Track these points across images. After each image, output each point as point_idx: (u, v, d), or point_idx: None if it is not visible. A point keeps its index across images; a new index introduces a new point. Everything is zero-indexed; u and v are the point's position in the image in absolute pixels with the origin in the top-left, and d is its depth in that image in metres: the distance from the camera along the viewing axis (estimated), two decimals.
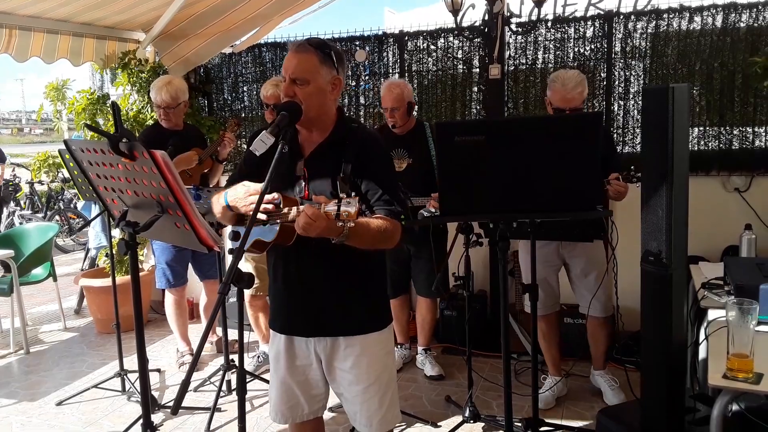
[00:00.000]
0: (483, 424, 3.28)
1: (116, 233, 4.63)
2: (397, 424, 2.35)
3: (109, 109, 4.86)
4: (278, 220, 1.88)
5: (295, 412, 2.14)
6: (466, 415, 3.28)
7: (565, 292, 3.55)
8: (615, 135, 4.20)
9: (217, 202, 2.05)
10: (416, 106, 4.18)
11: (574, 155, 2.24)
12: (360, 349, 2.03)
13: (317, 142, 2.02)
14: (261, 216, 1.86)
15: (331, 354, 2.06)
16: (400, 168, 3.72)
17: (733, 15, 3.97)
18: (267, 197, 1.82)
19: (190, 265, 4.20)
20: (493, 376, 3.87)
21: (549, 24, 4.34)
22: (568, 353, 3.65)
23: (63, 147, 3.29)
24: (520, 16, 4.38)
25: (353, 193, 1.71)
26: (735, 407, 2.25)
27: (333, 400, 2.28)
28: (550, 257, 3.38)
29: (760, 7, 3.91)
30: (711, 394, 2.43)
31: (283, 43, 5.08)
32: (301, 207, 1.73)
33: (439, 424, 3.33)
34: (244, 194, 1.92)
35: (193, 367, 1.62)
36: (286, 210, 1.86)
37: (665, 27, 4.13)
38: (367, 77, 4.94)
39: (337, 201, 1.65)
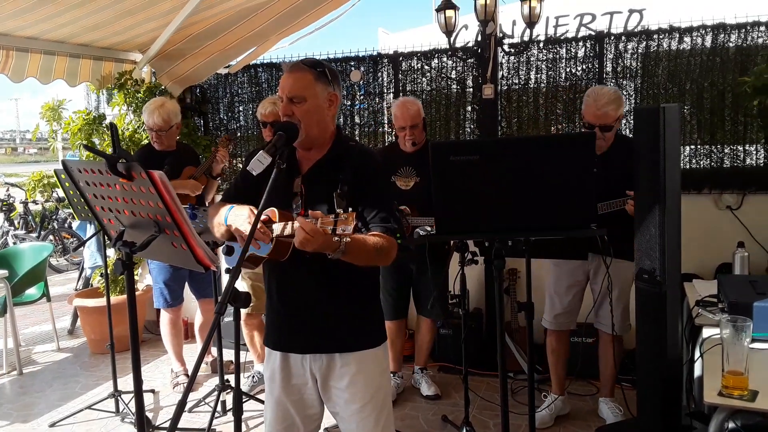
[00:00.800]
0: None
1: (111, 253, 4.61)
2: None
3: (105, 129, 4.88)
4: (273, 235, 1.90)
5: None
6: None
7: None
8: None
9: (217, 218, 2.06)
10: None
11: (568, 174, 2.26)
12: (356, 368, 2.03)
13: (315, 160, 2.04)
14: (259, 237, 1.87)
15: (326, 373, 2.05)
16: (407, 186, 3.66)
17: (723, 35, 4.04)
18: (263, 216, 1.84)
19: (186, 285, 4.20)
20: (490, 395, 3.86)
21: (541, 45, 4.41)
22: (568, 371, 3.64)
23: (59, 167, 3.31)
24: (512, 36, 4.45)
25: (350, 209, 1.72)
26: (731, 425, 2.26)
27: (329, 420, 2.27)
28: (575, 274, 3.37)
29: (748, 28, 3.99)
30: (707, 411, 2.44)
31: (278, 64, 5.13)
32: (296, 223, 1.74)
33: None
34: (246, 219, 1.94)
35: (190, 387, 1.62)
36: (281, 226, 1.87)
37: (656, 47, 4.19)
38: (362, 97, 4.98)
39: (333, 216, 1.66)
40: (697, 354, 2.45)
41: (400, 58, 4.79)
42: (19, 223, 9.55)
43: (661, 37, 4.17)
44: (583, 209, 2.27)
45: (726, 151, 4.14)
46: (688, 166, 4.19)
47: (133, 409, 3.38)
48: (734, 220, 4.06)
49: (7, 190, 10.02)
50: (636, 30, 4.30)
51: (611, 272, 3.23)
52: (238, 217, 1.97)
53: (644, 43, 4.21)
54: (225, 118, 5.40)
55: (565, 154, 2.29)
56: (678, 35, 4.13)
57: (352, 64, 4.91)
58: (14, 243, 8.39)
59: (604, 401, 3.51)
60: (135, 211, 2.07)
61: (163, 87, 4.98)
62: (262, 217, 1.84)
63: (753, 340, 1.98)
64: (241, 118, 5.38)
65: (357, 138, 4.96)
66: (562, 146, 2.39)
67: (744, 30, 4.00)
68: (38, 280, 5.14)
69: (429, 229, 2.95)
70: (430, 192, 3.58)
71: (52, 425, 3.69)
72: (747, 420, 2.23)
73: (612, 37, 4.28)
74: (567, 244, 3.07)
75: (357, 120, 5.01)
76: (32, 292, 5.18)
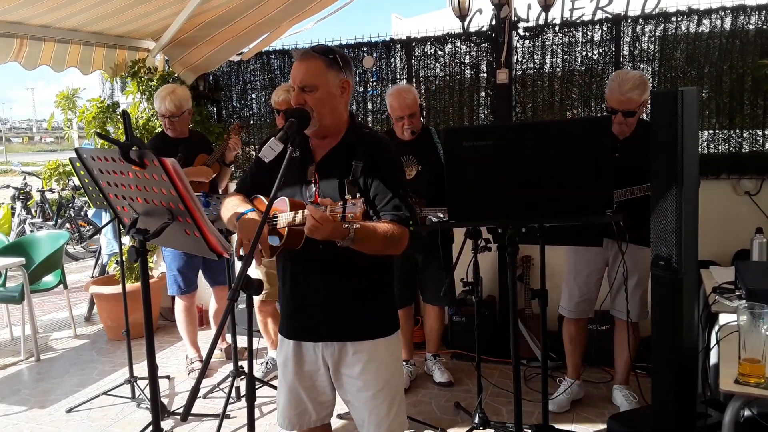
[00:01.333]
0: (492, 430, 3.26)
1: (126, 240, 4.65)
2: (406, 431, 2.34)
3: (119, 117, 4.90)
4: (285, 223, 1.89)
5: (303, 418, 2.14)
6: (476, 421, 3.27)
7: None
8: None
9: (229, 211, 2.03)
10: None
11: (583, 159, 2.23)
12: (368, 355, 2.03)
13: (329, 147, 2.03)
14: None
15: (338, 360, 2.05)
16: (410, 176, 3.62)
17: (742, 17, 3.95)
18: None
19: (200, 272, 4.22)
20: (503, 382, 3.85)
21: (557, 28, 4.34)
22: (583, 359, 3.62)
23: (74, 155, 3.32)
24: (527, 20, 4.40)
25: (358, 194, 1.71)
26: (747, 413, 2.23)
27: (341, 407, 2.28)
28: (594, 261, 3.34)
29: None
30: (722, 399, 2.41)
31: (291, 50, 5.10)
32: (306, 210, 1.73)
33: (448, 430, 3.32)
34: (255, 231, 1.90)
35: (203, 374, 1.63)
36: (293, 214, 1.86)
37: (673, 30, 4.11)
38: (374, 83, 4.95)
39: (342, 203, 1.66)
40: (713, 341, 2.42)
41: (413, 44, 4.75)
42: (36, 211, 9.67)
43: (679, 19, 4.09)
44: (599, 195, 2.24)
45: (745, 135, 4.07)
46: (706, 151, 4.13)
47: (149, 395, 3.43)
48: (753, 205, 4.00)
49: (24, 178, 10.12)
50: (654, 12, 4.21)
51: (630, 259, 3.20)
52: (247, 229, 1.91)
53: (662, 25, 4.13)
54: (238, 105, 5.39)
55: (581, 138, 2.26)
56: (697, 17, 4.04)
57: (365, 50, 4.87)
58: (31, 231, 8.50)
59: (618, 388, 3.49)
60: (148, 199, 2.08)
61: (176, 75, 4.99)
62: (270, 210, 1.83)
63: None
64: (254, 105, 5.37)
65: (370, 125, 4.94)
66: (578, 131, 2.35)
67: (764, 12, 3.91)
68: (55, 267, 5.20)
69: (441, 215, 2.93)
70: (433, 180, 3.62)
71: (69, 411, 3.74)
72: (763, 408, 2.21)
73: (629, 20, 4.20)
74: (582, 230, 3.04)
75: (369, 106, 4.99)
76: (49, 279, 5.24)
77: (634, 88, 2.98)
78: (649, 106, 3.00)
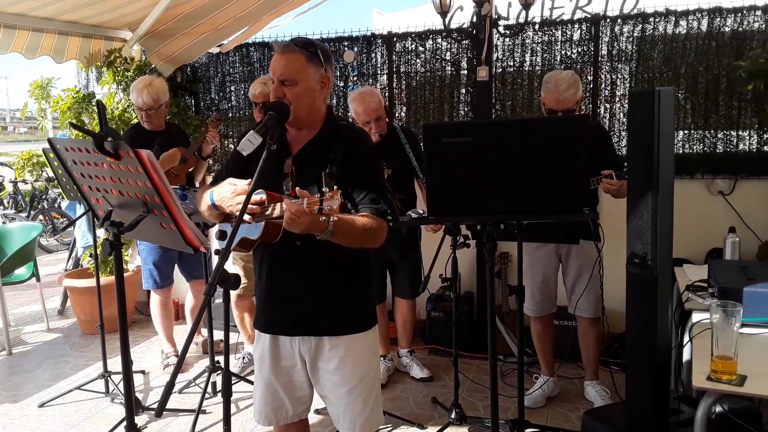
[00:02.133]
0: (469, 425, 3.28)
1: (101, 233, 4.58)
2: (382, 426, 2.35)
3: (94, 107, 4.82)
4: (263, 219, 1.87)
5: (279, 414, 2.13)
6: (453, 417, 3.28)
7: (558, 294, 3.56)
8: None
9: (203, 200, 2.04)
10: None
11: (560, 157, 2.25)
12: (345, 351, 2.02)
13: (306, 140, 2.01)
14: (246, 216, 1.84)
15: (315, 355, 2.05)
16: None
17: (719, 19, 4.01)
18: (254, 197, 1.81)
19: (176, 266, 4.17)
20: (480, 377, 3.88)
21: (537, 27, 4.37)
22: (556, 355, 3.66)
23: (47, 146, 3.26)
24: (507, 18, 4.42)
25: (335, 187, 1.70)
26: (719, 408, 2.27)
27: (319, 402, 2.27)
28: (549, 258, 3.39)
29: (744, 12, 3.96)
30: (695, 395, 2.45)
31: (270, 43, 5.06)
32: (284, 204, 1.72)
33: (425, 426, 3.33)
34: (231, 194, 1.90)
35: (178, 368, 1.61)
36: (270, 208, 1.85)
37: (651, 30, 4.16)
38: (355, 78, 4.93)
39: (319, 195, 1.64)
40: (686, 338, 2.46)
41: (395, 39, 4.74)
42: (8, 202, 9.49)
43: (657, 20, 4.14)
44: (575, 193, 2.26)
45: (719, 136, 4.13)
46: (681, 151, 4.19)
47: (123, 390, 3.39)
48: (726, 205, 4.07)
49: None
50: (632, 13, 4.26)
51: (578, 255, 3.28)
52: (222, 195, 1.93)
53: (640, 26, 4.17)
54: (216, 97, 5.33)
55: (559, 136, 2.28)
56: (674, 18, 4.10)
57: (346, 44, 4.85)
58: (3, 222, 8.33)
59: (590, 384, 3.54)
60: (123, 191, 2.05)
61: (153, 66, 4.91)
62: (257, 197, 1.82)
63: (742, 325, 1.98)
64: (232, 97, 5.32)
65: (350, 119, 4.91)
66: (556, 128, 2.37)
67: (740, 14, 3.97)
68: (27, 260, 5.10)
69: (421, 211, 2.93)
70: (404, 182, 3.60)
71: (42, 405, 3.68)
72: (734, 404, 2.25)
73: (608, 20, 4.24)
74: (559, 227, 3.07)
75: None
76: (21, 272, 5.14)
77: (569, 86, 3.07)
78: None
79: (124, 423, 2.22)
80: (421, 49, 4.68)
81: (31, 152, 5.53)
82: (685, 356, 2.63)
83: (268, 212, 1.85)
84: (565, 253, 3.37)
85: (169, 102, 3.95)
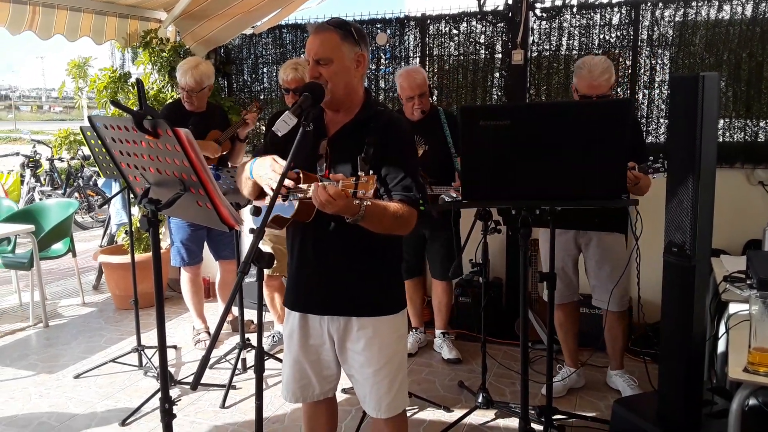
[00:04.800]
0: (495, 410, 3.29)
1: (135, 211, 4.66)
2: (408, 408, 2.36)
3: (130, 87, 4.88)
4: (297, 196, 1.88)
5: (306, 392, 2.17)
6: (479, 401, 3.29)
7: (584, 282, 3.52)
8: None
9: (243, 172, 2.06)
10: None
11: (601, 143, 2.21)
12: (372, 332, 2.03)
13: (342, 123, 2.02)
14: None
15: (343, 335, 2.06)
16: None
17: (764, 4, 3.88)
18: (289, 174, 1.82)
19: (205, 245, 4.23)
20: (507, 363, 3.87)
21: (574, 10, 4.27)
22: (585, 343, 3.63)
23: (85, 124, 3.31)
24: (544, 1, 4.32)
25: (371, 172, 1.70)
26: (752, 401, 2.24)
27: (346, 382, 2.29)
28: (568, 245, 3.35)
29: None
30: (729, 387, 2.42)
31: (304, 25, 5.06)
32: (319, 184, 1.73)
33: (451, 408, 3.34)
34: (269, 167, 1.92)
35: (212, 345, 1.64)
36: (305, 187, 1.86)
37: (693, 15, 4.05)
38: (387, 61, 4.90)
39: (354, 179, 1.65)
40: (722, 329, 2.42)
41: (428, 21, 4.69)
42: (45, 179, 9.69)
43: (699, 4, 4.02)
44: (615, 179, 2.22)
45: (761, 125, 4.02)
46: (721, 140, 4.08)
47: (156, 364, 3.46)
48: (766, 195, 3.97)
49: (34, 146, 10.12)
50: None
51: (599, 245, 3.22)
52: (261, 167, 1.95)
53: (682, 10, 4.06)
54: (249, 79, 5.36)
55: (601, 120, 2.23)
56: (717, 3, 3.97)
57: (378, 26, 4.81)
58: (40, 199, 8.53)
59: (616, 374, 3.49)
60: (161, 169, 2.07)
61: (187, 47, 4.95)
62: (290, 176, 1.83)
63: None
64: (265, 79, 5.34)
65: (382, 102, 4.90)
66: (598, 113, 2.32)
67: None
68: (64, 235, 5.23)
69: (454, 195, 2.92)
70: (439, 160, 3.64)
71: (77, 377, 3.79)
72: None
73: (648, 4, 4.13)
74: (595, 214, 3.02)
75: (382, 84, 4.94)
76: (58, 247, 5.27)
77: (603, 72, 3.05)
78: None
79: (158, 395, 2.27)
80: (454, 31, 4.62)
81: (69, 130, 5.61)
82: (720, 348, 2.59)
83: (303, 190, 1.86)
84: (585, 242, 3.32)
85: (212, 86, 3.98)
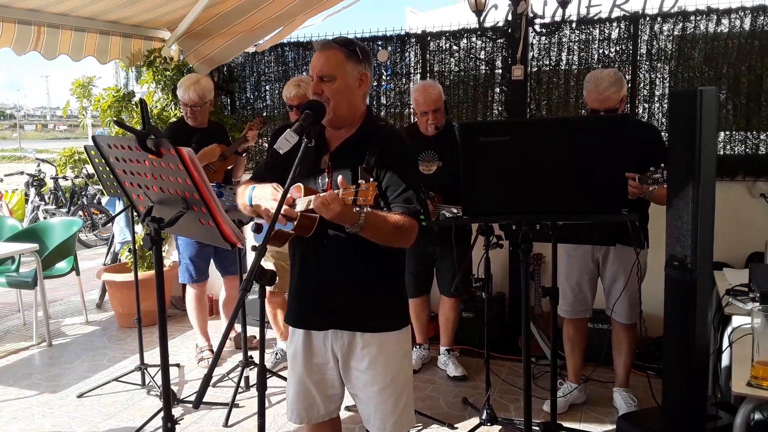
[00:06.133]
0: (500, 426, 3.26)
1: (139, 230, 4.68)
2: (412, 427, 2.34)
3: (134, 106, 4.93)
4: (295, 221, 1.90)
5: (311, 412, 2.15)
6: (483, 417, 3.27)
7: (596, 298, 3.48)
8: None
9: (243, 195, 2.07)
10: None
11: (600, 157, 2.22)
12: (377, 349, 2.03)
13: (344, 138, 2.04)
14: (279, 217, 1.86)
15: (347, 353, 2.06)
16: (429, 171, 3.67)
17: (762, 17, 3.91)
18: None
19: (211, 261, 4.25)
20: (511, 379, 3.86)
21: (573, 25, 4.31)
22: (589, 358, 3.61)
23: (89, 143, 3.35)
24: (543, 17, 4.36)
25: (371, 179, 1.71)
26: (758, 416, 2.22)
27: (349, 399, 2.29)
28: (585, 261, 3.32)
29: None
30: (733, 401, 2.40)
31: (306, 43, 5.11)
32: (318, 195, 1.75)
33: (455, 425, 3.32)
34: (270, 196, 1.93)
35: (215, 363, 1.64)
36: (306, 201, 1.87)
37: (692, 29, 4.08)
38: (388, 77, 4.94)
39: (355, 187, 1.66)
40: (725, 343, 2.41)
41: (428, 38, 4.73)
42: (49, 198, 9.74)
43: (698, 18, 4.05)
44: (615, 193, 2.23)
45: (762, 137, 4.03)
46: (722, 152, 4.09)
47: (159, 382, 3.45)
48: (767, 208, 3.96)
49: (38, 165, 10.19)
50: (672, 11, 4.17)
51: (617, 260, 3.19)
52: (262, 196, 1.97)
53: (680, 24, 4.09)
54: (251, 97, 5.41)
55: (598, 135, 2.25)
56: (716, 17, 4.00)
57: (380, 43, 4.86)
58: (44, 218, 8.56)
59: (618, 391, 3.46)
60: (164, 188, 2.09)
61: (190, 66, 5.00)
62: (290, 195, 1.84)
63: None
64: (267, 97, 5.38)
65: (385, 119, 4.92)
66: (598, 127, 2.33)
67: None
68: (68, 254, 5.24)
69: (455, 210, 2.93)
70: (453, 176, 3.62)
71: (80, 396, 3.78)
72: None
73: (647, 18, 4.16)
74: (594, 229, 3.03)
75: (383, 101, 4.98)
76: (62, 265, 5.28)
77: (611, 85, 2.99)
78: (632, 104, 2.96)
79: (161, 414, 2.27)
80: (455, 48, 4.66)
81: (73, 149, 5.66)
82: (724, 362, 2.58)
83: (301, 208, 1.88)
84: (602, 256, 3.29)
85: (213, 101, 4.06)
